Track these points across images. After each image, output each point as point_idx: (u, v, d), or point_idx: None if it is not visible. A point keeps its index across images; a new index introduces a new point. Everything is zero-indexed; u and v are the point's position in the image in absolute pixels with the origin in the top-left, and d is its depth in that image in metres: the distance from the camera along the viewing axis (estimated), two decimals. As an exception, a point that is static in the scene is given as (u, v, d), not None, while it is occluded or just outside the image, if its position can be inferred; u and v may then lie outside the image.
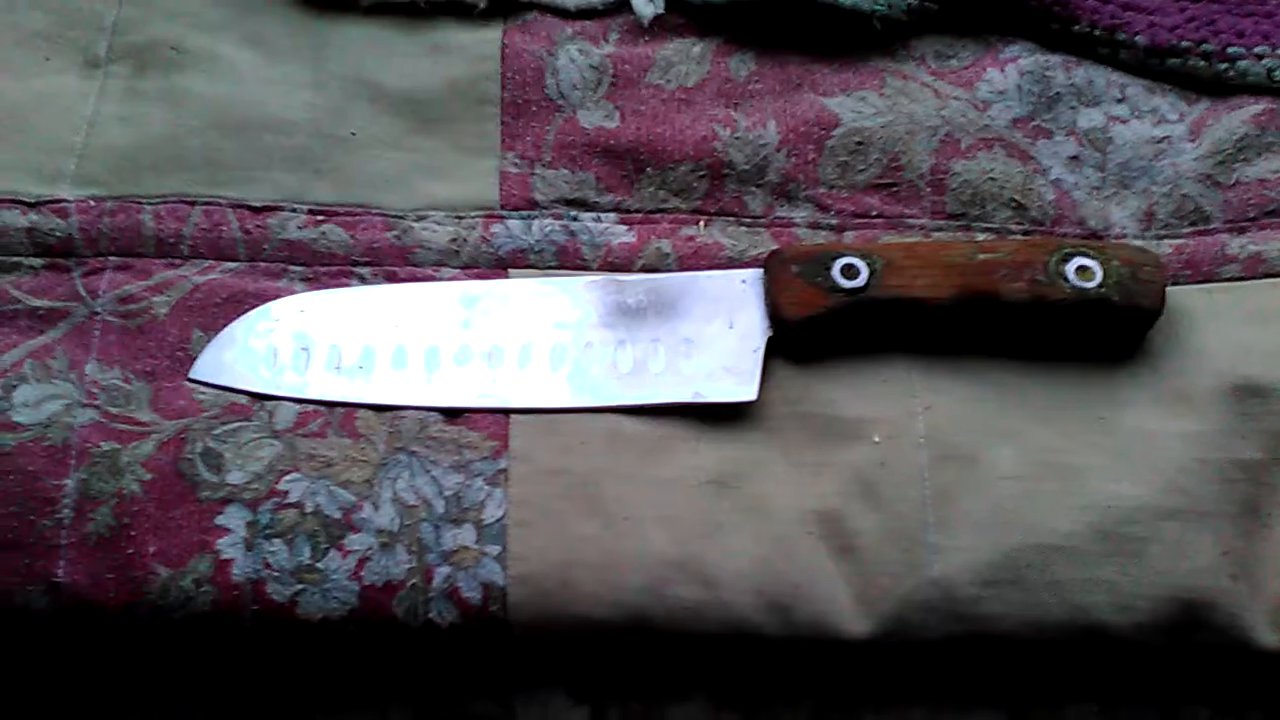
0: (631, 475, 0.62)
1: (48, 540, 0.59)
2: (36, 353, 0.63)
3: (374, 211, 0.68)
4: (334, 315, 0.65)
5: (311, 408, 0.63)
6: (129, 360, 0.63)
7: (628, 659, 0.62)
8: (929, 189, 0.68)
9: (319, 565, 0.59)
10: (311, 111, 0.70)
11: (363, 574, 0.59)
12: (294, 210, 0.68)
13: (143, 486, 0.60)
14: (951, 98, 0.70)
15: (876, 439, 0.62)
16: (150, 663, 0.62)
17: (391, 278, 0.67)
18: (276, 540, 0.59)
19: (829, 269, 0.63)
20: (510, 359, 0.64)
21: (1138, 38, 0.70)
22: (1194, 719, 0.62)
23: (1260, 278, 0.66)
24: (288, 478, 0.61)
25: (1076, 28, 0.71)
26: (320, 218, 0.68)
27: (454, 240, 0.67)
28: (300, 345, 0.64)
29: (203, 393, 0.63)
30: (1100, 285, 0.61)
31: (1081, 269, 0.62)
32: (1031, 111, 0.70)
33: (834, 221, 0.68)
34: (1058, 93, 0.70)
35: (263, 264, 0.67)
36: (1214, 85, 0.70)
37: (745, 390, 0.63)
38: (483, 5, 0.72)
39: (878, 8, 0.71)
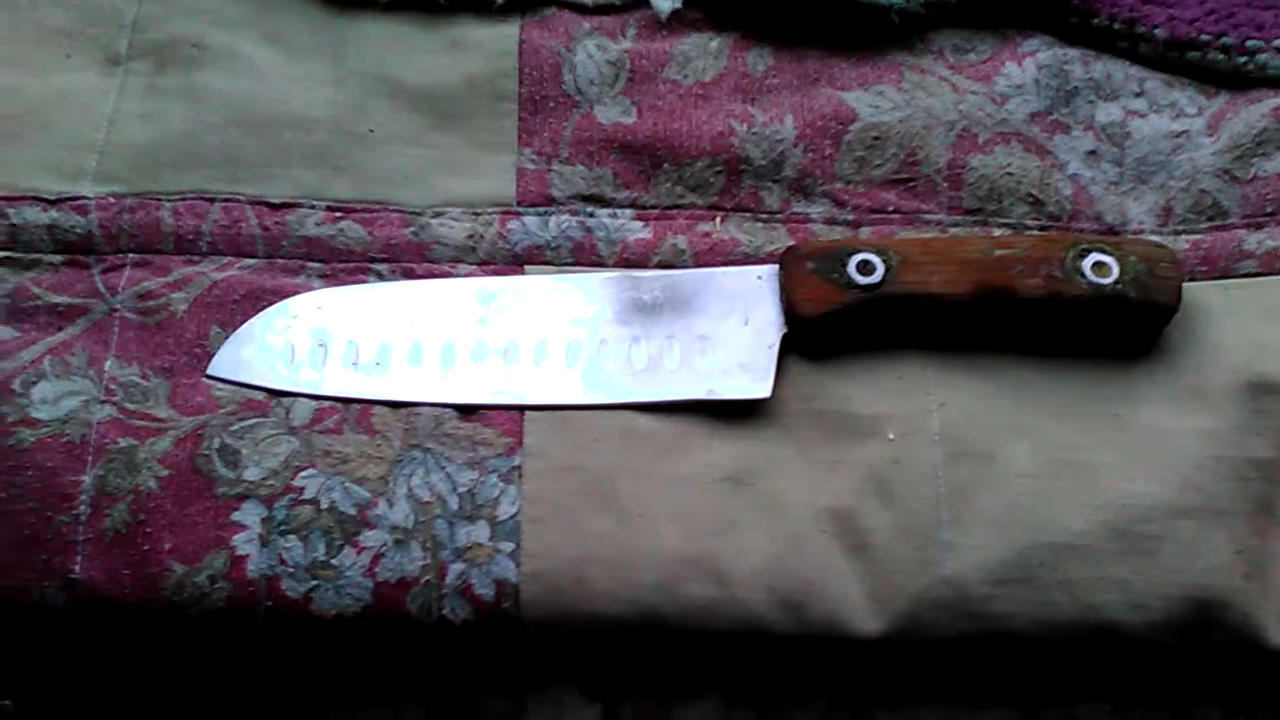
0: (646, 472, 0.62)
1: (65, 536, 0.59)
2: (56, 349, 0.63)
3: (391, 208, 0.68)
4: (351, 312, 0.65)
5: (328, 404, 0.63)
6: (147, 357, 0.64)
7: (640, 656, 0.62)
8: (946, 184, 0.68)
9: (333, 561, 0.59)
10: (331, 108, 0.71)
11: (377, 570, 0.59)
12: (312, 207, 0.68)
13: (159, 483, 0.60)
14: (969, 92, 0.70)
15: (891, 436, 0.62)
16: (165, 658, 0.62)
17: (409, 274, 0.67)
18: (292, 536, 0.60)
19: (845, 265, 0.63)
20: (526, 355, 0.64)
21: (1157, 31, 0.70)
22: (1206, 718, 0.62)
23: (1277, 274, 0.65)
24: (304, 474, 0.61)
25: (1095, 21, 0.71)
26: (338, 214, 0.68)
27: (471, 237, 0.68)
28: (318, 341, 0.64)
29: (220, 389, 0.63)
30: (1117, 281, 0.61)
31: (1098, 265, 0.61)
32: (1049, 106, 0.70)
33: (850, 217, 0.68)
34: (1076, 87, 0.70)
35: (281, 261, 0.67)
36: (1233, 79, 0.70)
37: (760, 387, 0.63)
38: (501, 1, 0.72)
39: (896, 2, 0.71)
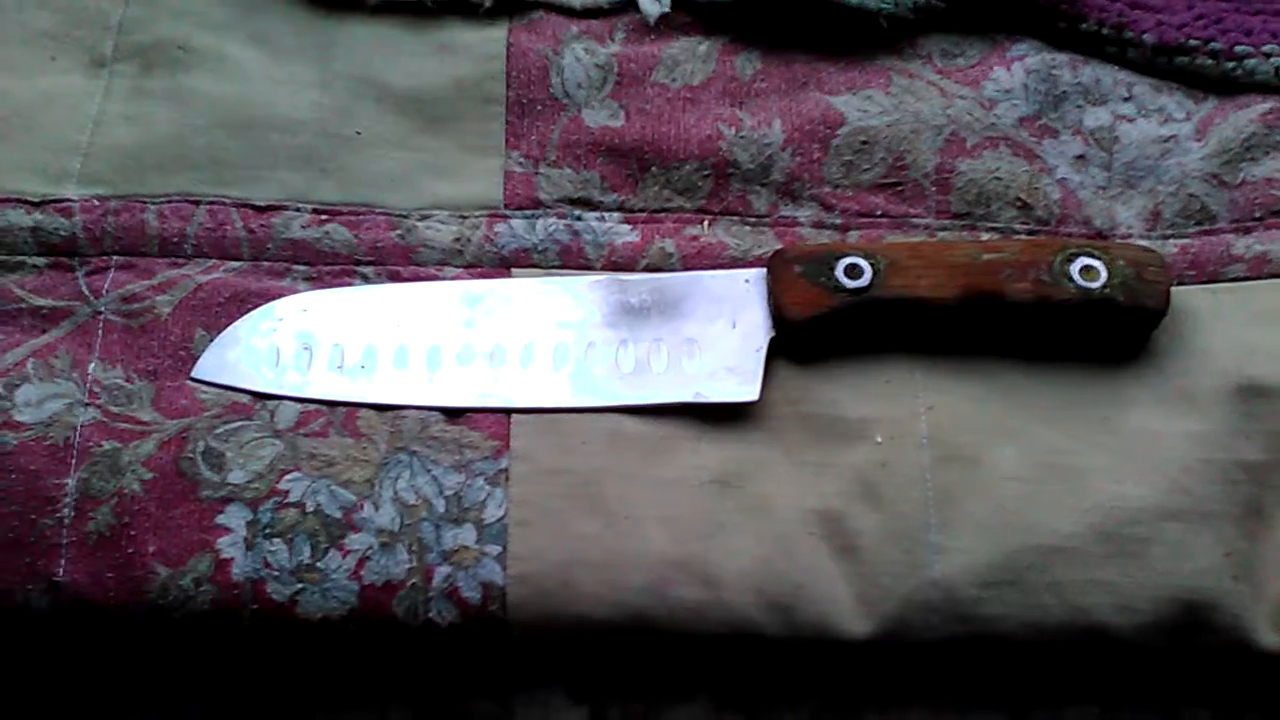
0: (633, 475, 0.61)
1: (48, 539, 0.59)
2: (39, 352, 0.63)
3: (378, 211, 0.68)
4: (337, 314, 0.65)
5: (313, 407, 0.63)
6: (131, 359, 0.63)
7: (628, 659, 0.62)
8: (934, 188, 0.68)
9: (319, 565, 0.59)
10: (317, 111, 0.71)
11: (363, 573, 0.59)
12: (298, 209, 0.68)
13: (143, 486, 0.60)
14: (958, 96, 0.70)
15: (879, 439, 0.62)
16: (149, 662, 0.62)
17: (395, 277, 0.67)
18: (277, 540, 0.59)
19: (832, 269, 0.63)
20: (512, 359, 0.64)
21: (1145, 36, 0.70)
22: (1194, 721, 0.62)
23: (1266, 278, 0.65)
24: (289, 477, 0.61)
25: (1084, 26, 0.71)
26: (324, 217, 0.68)
27: (458, 240, 0.67)
28: (303, 344, 0.64)
29: (205, 392, 0.63)
30: (1105, 285, 0.61)
31: (1086, 269, 0.61)
32: (1038, 110, 0.70)
33: (838, 221, 0.68)
34: (1064, 91, 0.70)
35: (266, 263, 0.67)
36: (1222, 84, 0.70)
37: (747, 390, 0.62)
38: (489, 4, 0.73)
39: (884, 6, 0.71)
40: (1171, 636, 0.59)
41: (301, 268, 0.67)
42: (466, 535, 0.60)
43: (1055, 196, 0.68)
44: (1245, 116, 0.68)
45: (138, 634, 0.60)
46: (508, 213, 0.68)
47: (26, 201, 0.66)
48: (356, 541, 0.59)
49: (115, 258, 0.66)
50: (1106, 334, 0.63)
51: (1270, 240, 0.66)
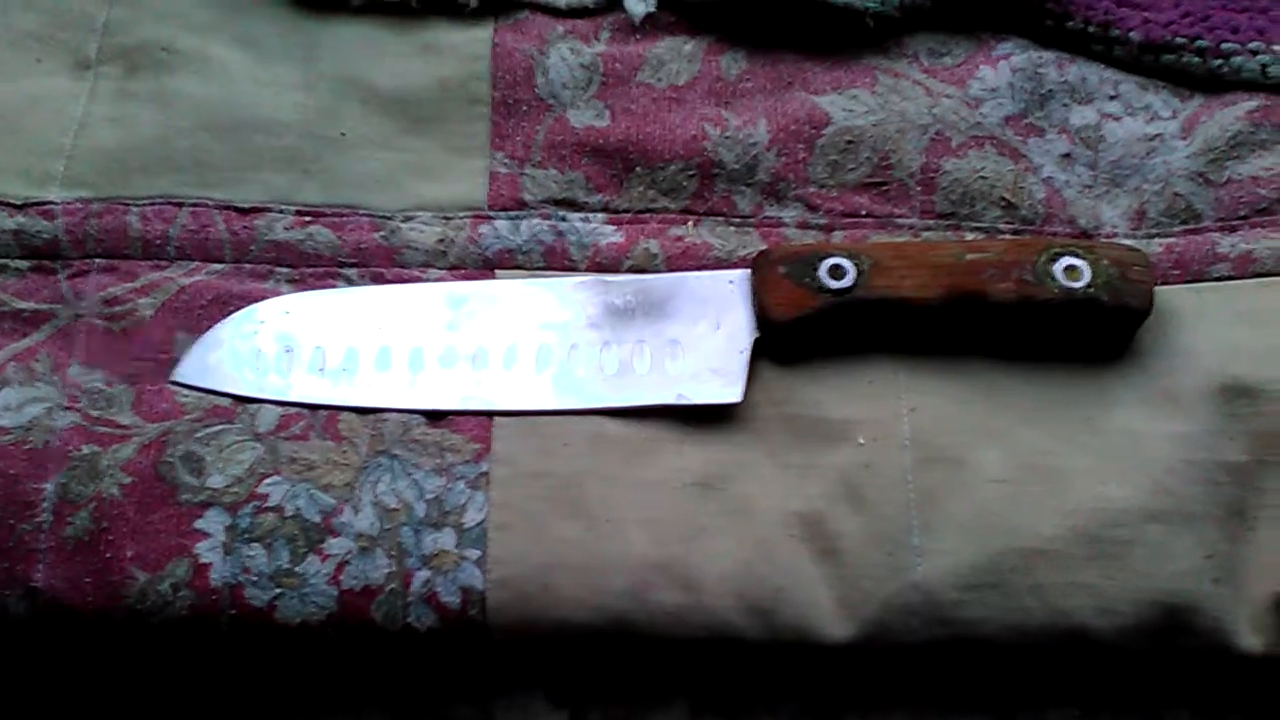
0: (615, 477, 0.61)
1: (26, 544, 0.59)
2: (20, 355, 0.63)
3: (361, 212, 0.68)
4: (319, 317, 0.65)
5: (294, 410, 0.63)
6: (112, 363, 0.63)
7: (608, 663, 0.62)
8: (919, 188, 0.68)
9: (298, 569, 0.59)
10: (302, 112, 0.70)
11: (341, 578, 0.59)
12: (281, 211, 0.68)
13: (122, 490, 0.60)
14: (943, 95, 0.70)
15: (861, 441, 0.62)
16: (127, 667, 0.62)
17: (378, 279, 0.67)
18: (255, 545, 0.59)
19: (816, 269, 0.62)
20: (495, 361, 0.64)
21: (1131, 34, 0.69)
22: (1175, 723, 0.62)
23: (1250, 277, 0.65)
24: (268, 481, 0.61)
25: (1070, 24, 0.70)
26: (308, 219, 0.68)
27: (441, 241, 0.67)
28: (284, 347, 0.64)
29: (185, 395, 0.63)
30: (1088, 285, 0.61)
31: (1070, 269, 0.61)
32: (1024, 109, 0.69)
33: (823, 221, 0.68)
34: (1050, 90, 0.70)
35: (249, 265, 0.67)
36: (1208, 82, 0.70)
37: (730, 392, 0.62)
38: (474, 4, 0.72)
39: (870, 5, 0.70)
40: (1153, 639, 0.59)
41: (284, 270, 0.67)
42: (446, 540, 0.60)
43: (1040, 196, 0.68)
44: (1231, 115, 0.68)
45: (115, 639, 0.60)
46: (492, 214, 0.68)
47: (9, 205, 0.66)
48: (335, 546, 0.59)
49: (97, 260, 0.66)
50: (1090, 334, 0.63)
51: (1255, 239, 0.66)
